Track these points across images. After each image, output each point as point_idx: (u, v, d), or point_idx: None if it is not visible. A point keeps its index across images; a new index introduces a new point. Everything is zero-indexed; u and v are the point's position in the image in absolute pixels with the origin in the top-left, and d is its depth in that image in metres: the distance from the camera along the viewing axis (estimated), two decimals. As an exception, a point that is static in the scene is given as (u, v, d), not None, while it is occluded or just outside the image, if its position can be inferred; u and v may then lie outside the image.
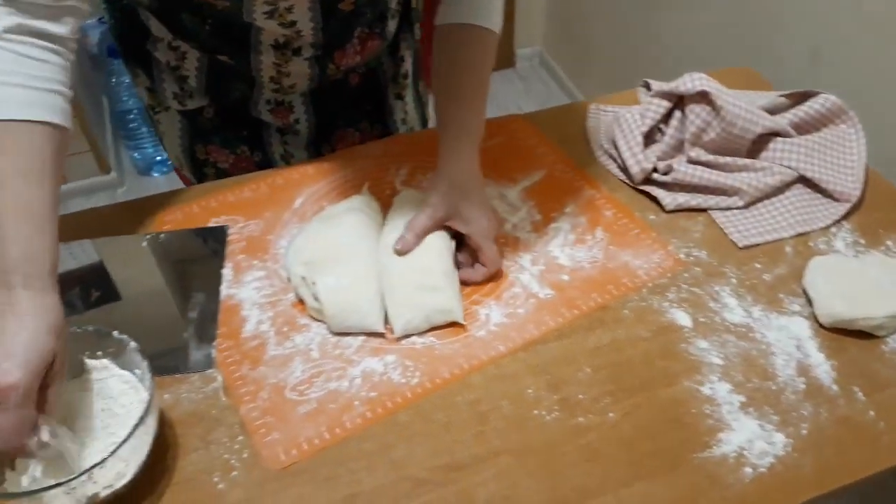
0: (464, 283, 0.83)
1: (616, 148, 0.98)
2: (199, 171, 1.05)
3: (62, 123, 0.66)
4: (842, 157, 0.97)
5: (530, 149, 1.01)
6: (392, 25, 1.00)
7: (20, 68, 0.64)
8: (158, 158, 2.39)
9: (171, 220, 0.91)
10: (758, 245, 0.89)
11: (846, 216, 0.93)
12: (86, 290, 0.84)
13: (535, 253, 0.87)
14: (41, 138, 0.64)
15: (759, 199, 0.94)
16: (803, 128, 0.99)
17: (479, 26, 0.85)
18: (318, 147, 1.06)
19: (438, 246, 0.81)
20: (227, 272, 0.85)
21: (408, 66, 1.09)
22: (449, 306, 0.78)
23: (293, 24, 0.84)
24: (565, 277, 0.84)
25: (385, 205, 0.90)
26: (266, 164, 1.04)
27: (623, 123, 0.97)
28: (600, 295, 0.82)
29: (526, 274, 0.84)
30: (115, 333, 0.68)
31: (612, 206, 0.93)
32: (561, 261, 0.86)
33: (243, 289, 0.83)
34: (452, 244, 0.83)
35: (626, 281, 0.84)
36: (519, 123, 1.06)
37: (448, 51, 0.86)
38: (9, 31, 0.64)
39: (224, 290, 0.83)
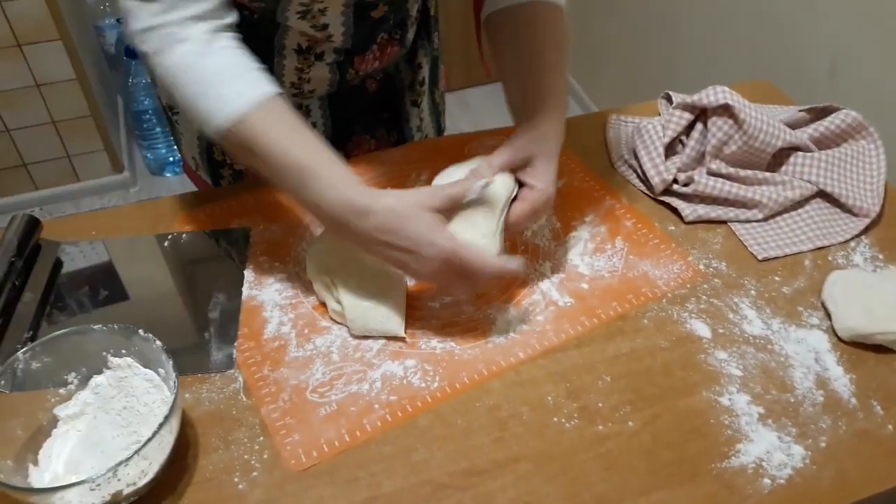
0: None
1: (637, 158, 0.98)
2: (216, 172, 1.06)
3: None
4: (861, 172, 0.97)
5: (550, 157, 1.02)
6: (411, 33, 1.01)
7: (240, 60, 0.72)
8: (171, 159, 2.41)
9: (194, 221, 0.92)
10: (777, 258, 0.89)
11: (865, 231, 0.93)
12: (95, 290, 0.85)
13: (554, 261, 0.87)
14: (283, 104, 0.72)
15: (779, 213, 0.94)
16: (823, 143, 1.00)
17: (546, 1, 0.83)
18: None
19: (496, 192, 0.77)
20: (248, 274, 0.85)
21: (425, 73, 1.09)
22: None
23: (325, 26, 0.85)
24: (585, 286, 0.85)
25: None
26: None
27: (645, 134, 0.98)
28: (620, 304, 0.83)
29: (546, 282, 0.85)
30: (141, 332, 0.69)
31: (632, 216, 0.94)
32: (581, 269, 0.86)
33: (265, 290, 0.83)
34: (514, 191, 0.79)
35: (646, 290, 0.84)
36: (538, 132, 1.06)
37: (518, 29, 0.83)
38: (215, 29, 0.72)
39: (246, 291, 0.83)
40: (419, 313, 0.81)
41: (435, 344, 0.78)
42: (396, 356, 0.77)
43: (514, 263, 0.74)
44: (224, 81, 0.70)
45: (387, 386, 0.74)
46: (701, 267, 0.87)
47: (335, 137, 1.06)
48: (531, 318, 0.81)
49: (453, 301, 0.83)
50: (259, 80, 0.71)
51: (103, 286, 0.85)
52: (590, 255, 0.88)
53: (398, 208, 0.69)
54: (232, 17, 0.74)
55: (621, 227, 0.92)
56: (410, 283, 0.84)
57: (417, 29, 1.03)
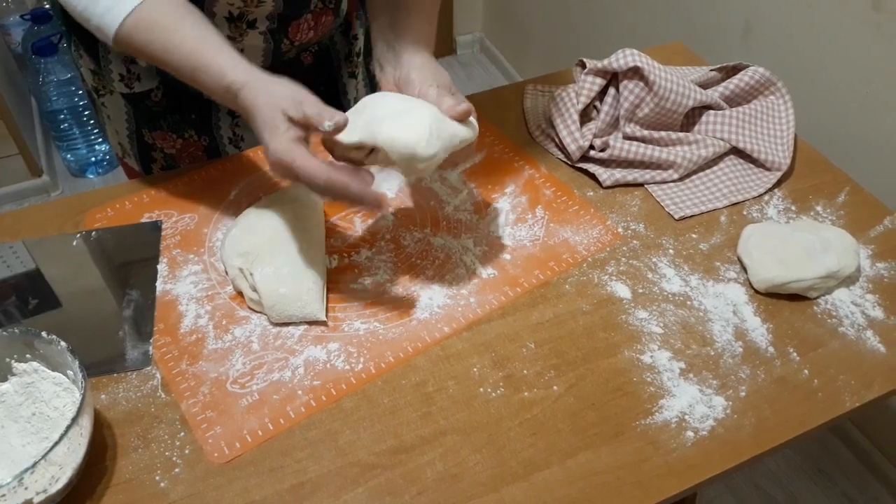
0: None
1: (553, 127, 0.98)
2: (146, 155, 1.02)
3: None
4: (772, 127, 0.99)
5: (468, 131, 1.01)
6: (345, 3, 0.99)
7: None
8: (93, 159, 2.32)
9: (103, 218, 0.88)
10: (693, 216, 0.90)
11: (777, 184, 0.95)
12: (23, 299, 0.81)
13: (477, 234, 0.87)
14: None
15: (694, 172, 0.96)
16: (734, 100, 1.01)
17: None
18: None
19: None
20: (162, 268, 0.82)
21: (360, 44, 1.08)
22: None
23: None
24: (507, 257, 0.84)
25: (323, 192, 0.89)
26: (214, 148, 1.02)
27: (559, 103, 0.98)
28: (542, 272, 0.83)
29: (469, 255, 0.84)
30: (44, 334, 0.66)
31: (552, 184, 0.94)
32: (503, 240, 0.86)
33: (179, 284, 0.81)
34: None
35: (567, 257, 0.85)
36: (456, 106, 1.05)
37: None
38: None
39: (160, 285, 0.81)
40: (341, 295, 0.80)
41: (358, 325, 0.77)
42: (319, 341, 0.76)
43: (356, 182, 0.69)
44: None
45: (310, 371, 0.73)
46: (620, 230, 0.88)
47: None
48: (455, 291, 0.81)
49: (376, 281, 0.81)
50: None
51: (8, 290, 0.81)
52: (511, 225, 0.88)
53: (261, 99, 0.70)
54: None
55: (541, 195, 0.92)
56: (330, 266, 0.83)
57: None
